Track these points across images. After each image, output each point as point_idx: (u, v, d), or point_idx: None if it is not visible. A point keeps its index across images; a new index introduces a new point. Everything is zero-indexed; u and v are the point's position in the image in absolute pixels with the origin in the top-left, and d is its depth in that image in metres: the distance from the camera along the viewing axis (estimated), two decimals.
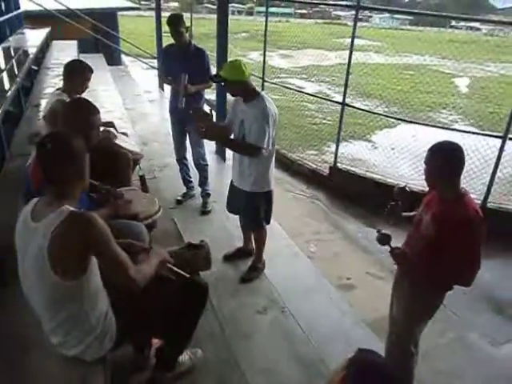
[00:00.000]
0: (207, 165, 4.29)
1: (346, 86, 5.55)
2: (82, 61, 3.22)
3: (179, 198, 4.33)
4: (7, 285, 1.68)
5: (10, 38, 7.11)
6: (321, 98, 7.43)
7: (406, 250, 2.18)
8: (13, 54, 5.94)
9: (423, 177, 2.09)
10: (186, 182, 4.43)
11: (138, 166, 3.40)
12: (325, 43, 12.04)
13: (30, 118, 4.27)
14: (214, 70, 4.12)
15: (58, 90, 3.10)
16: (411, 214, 2.34)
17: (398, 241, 2.23)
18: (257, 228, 3.30)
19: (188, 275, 1.86)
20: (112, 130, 3.38)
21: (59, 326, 1.53)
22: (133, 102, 7.41)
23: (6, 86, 4.14)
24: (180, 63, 3.83)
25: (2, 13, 7.00)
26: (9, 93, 3.96)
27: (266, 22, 6.55)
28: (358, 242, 4.76)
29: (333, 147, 6.19)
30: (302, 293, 3.28)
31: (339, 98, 5.96)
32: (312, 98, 8.83)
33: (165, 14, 11.05)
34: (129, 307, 1.63)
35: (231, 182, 3.30)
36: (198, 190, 4.36)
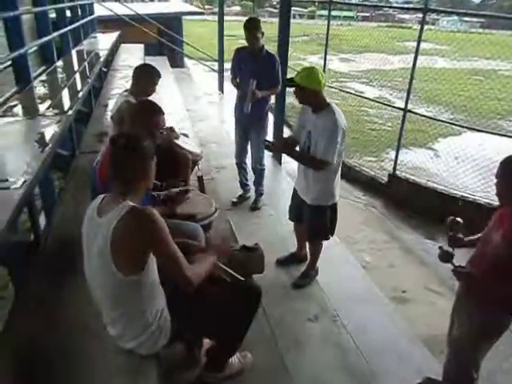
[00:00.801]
0: (264, 169, 4.34)
1: (409, 91, 5.35)
2: (151, 66, 3.31)
3: (235, 199, 4.40)
4: (77, 275, 1.76)
5: (84, 42, 7.53)
6: (381, 103, 7.21)
7: (472, 270, 2.04)
8: (85, 56, 6.31)
9: (490, 188, 1.96)
10: (243, 185, 4.50)
11: (196, 167, 3.48)
12: (387, 47, 11.69)
13: (98, 118, 4.50)
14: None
15: (125, 91, 3.23)
16: (475, 237, 2.20)
17: (462, 257, 2.11)
18: (320, 240, 3.24)
19: (242, 278, 1.87)
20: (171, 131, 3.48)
21: (118, 320, 1.58)
22: (193, 104, 7.60)
23: (79, 86, 4.39)
24: (250, 67, 3.86)
25: (78, 18, 7.43)
26: (81, 93, 4.20)
27: (328, 25, 6.51)
28: (416, 253, 4.57)
29: (392, 154, 6.00)
30: (355, 303, 3.19)
31: (400, 104, 5.77)
32: (372, 102, 8.61)
33: (226, 18, 11.32)
34: (183, 306, 1.66)
35: (294, 190, 3.25)
36: (252, 191, 4.40)
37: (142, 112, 2.27)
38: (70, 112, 3.41)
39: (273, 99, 4.73)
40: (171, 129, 3.53)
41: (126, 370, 1.56)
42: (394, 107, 6.70)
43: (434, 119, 6.26)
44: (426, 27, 5.30)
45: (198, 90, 9.39)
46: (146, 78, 3.14)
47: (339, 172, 3.04)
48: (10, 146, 2.84)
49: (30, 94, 4.13)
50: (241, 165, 4.40)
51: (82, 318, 1.73)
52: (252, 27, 3.78)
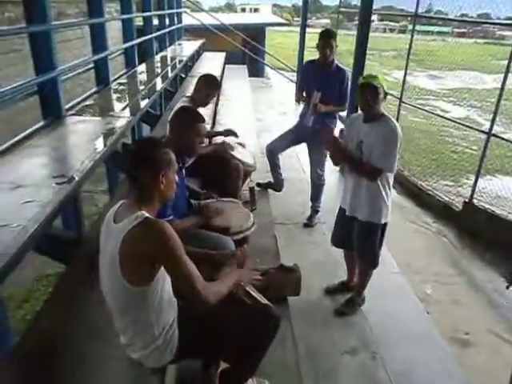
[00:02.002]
0: (323, 184, 4.18)
1: (495, 112, 4.85)
2: (215, 77, 3.37)
3: (306, 221, 4.26)
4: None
5: (169, 48, 7.92)
6: (461, 124, 6.62)
7: None
8: (166, 62, 6.61)
9: None
10: (278, 178, 4.34)
11: (248, 178, 3.43)
12: (481, 65, 10.90)
13: (165, 121, 4.64)
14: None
15: (186, 97, 3.29)
16: None
17: None
18: (372, 262, 3.00)
19: (265, 302, 1.76)
20: (229, 138, 3.47)
21: (126, 329, 1.55)
22: (264, 113, 7.62)
23: (152, 90, 4.58)
24: (317, 80, 3.76)
25: (164, 26, 7.84)
26: (152, 96, 4.37)
27: (412, 39, 6.19)
28: (486, 292, 4.10)
29: (472, 180, 5.48)
30: (402, 339, 2.91)
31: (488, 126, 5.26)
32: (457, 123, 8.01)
33: (311, 30, 11.28)
34: (194, 324, 1.59)
35: (341, 211, 3.03)
36: (308, 207, 4.25)
37: (182, 117, 2.27)
38: (128, 116, 3.54)
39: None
40: (231, 131, 3.55)
41: (128, 380, 1.53)
42: (475, 129, 6.13)
43: None
44: None
45: (274, 100, 9.42)
46: (206, 87, 3.18)
47: (391, 187, 2.83)
48: (72, 144, 3.01)
49: (107, 95, 4.38)
50: (274, 157, 4.19)
51: (101, 322, 1.72)
52: (326, 36, 3.66)
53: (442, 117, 7.26)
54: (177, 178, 1.65)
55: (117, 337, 1.60)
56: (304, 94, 3.91)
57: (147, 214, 1.46)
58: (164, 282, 1.50)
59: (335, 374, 2.50)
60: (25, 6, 3.01)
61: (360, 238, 2.91)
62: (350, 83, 3.78)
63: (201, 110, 3.47)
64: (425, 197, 5.93)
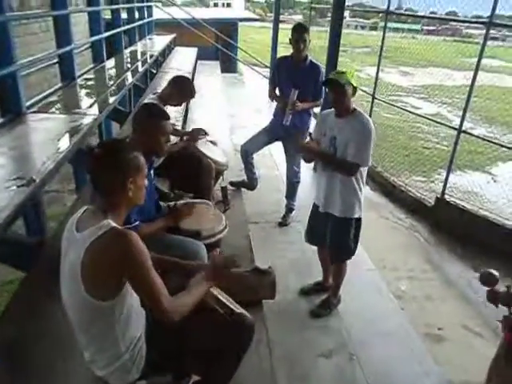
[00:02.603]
0: (299, 182, 4.13)
1: (465, 110, 4.91)
2: (190, 81, 3.29)
3: (280, 220, 4.19)
4: None
5: (138, 43, 7.70)
6: (433, 121, 6.70)
7: None
8: (135, 56, 6.41)
9: None
10: (251, 177, 4.25)
11: (221, 177, 3.34)
12: (451, 62, 11.06)
13: None
14: None
15: (154, 94, 3.17)
16: None
17: None
18: (345, 259, 2.99)
19: (237, 309, 1.67)
20: (201, 138, 3.34)
21: (89, 344, 1.44)
22: (237, 109, 7.52)
23: (119, 85, 4.41)
24: (291, 77, 3.67)
25: (134, 20, 7.62)
26: (120, 92, 4.21)
27: (384, 36, 6.24)
28: (459, 287, 4.14)
29: (444, 175, 5.55)
30: (379, 338, 2.89)
31: (458, 122, 5.32)
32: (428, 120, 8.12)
33: (284, 26, 11.21)
34: (163, 336, 1.49)
35: (314, 206, 3.01)
36: (282, 206, 4.19)
37: (145, 114, 2.14)
38: (95, 112, 3.39)
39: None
40: (202, 130, 3.42)
41: None
42: (447, 126, 6.21)
43: (490, 141, 5.71)
44: (495, 43, 4.87)
45: (247, 96, 9.33)
46: (181, 93, 3.11)
47: (364, 182, 2.83)
48: (35, 143, 2.85)
49: (72, 91, 4.19)
50: (249, 157, 4.09)
51: (64, 333, 1.60)
52: (300, 30, 3.58)
53: (413, 113, 7.35)
54: (146, 181, 1.54)
55: (80, 351, 1.49)
56: (277, 92, 3.83)
57: (113, 224, 1.35)
58: (130, 295, 1.39)
59: (311, 378, 2.45)
60: None
61: (335, 234, 2.88)
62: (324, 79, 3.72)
63: (172, 108, 3.38)
64: (398, 193, 5.97)
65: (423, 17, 6.48)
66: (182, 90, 3.13)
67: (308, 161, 2.96)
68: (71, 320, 1.42)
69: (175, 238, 2.13)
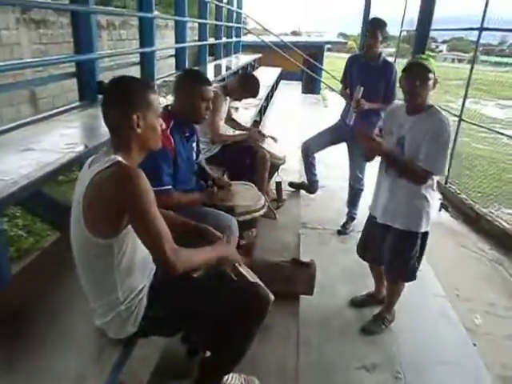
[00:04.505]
0: (362, 189, 3.84)
1: None
2: (257, 80, 3.30)
3: (340, 228, 3.95)
4: None
5: (223, 59, 8.03)
6: None
7: None
8: (221, 68, 6.66)
9: None
10: (312, 180, 4.05)
11: (276, 173, 3.22)
12: None
13: None
14: None
15: (218, 82, 3.18)
16: None
17: None
18: (404, 280, 2.60)
19: (253, 279, 1.51)
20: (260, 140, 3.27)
21: (89, 289, 1.37)
22: (310, 126, 7.39)
23: None
24: (361, 74, 3.46)
25: (220, 37, 8.00)
26: None
27: (473, 63, 6.02)
28: None
29: None
30: (439, 366, 2.49)
31: None
32: None
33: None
34: (168, 294, 1.38)
35: (370, 217, 2.66)
36: (343, 213, 3.93)
37: (184, 80, 2.09)
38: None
39: None
40: (259, 132, 3.36)
41: (89, 350, 1.35)
42: None
43: None
44: None
45: (324, 116, 9.19)
46: (245, 88, 3.20)
47: (436, 189, 2.44)
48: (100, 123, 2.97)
49: None
50: (309, 156, 3.87)
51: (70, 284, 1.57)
52: (373, 24, 3.38)
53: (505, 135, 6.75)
54: (179, 146, 1.46)
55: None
56: (348, 91, 3.64)
57: (120, 158, 1.28)
58: (134, 238, 1.29)
59: None
60: None
61: (394, 250, 2.49)
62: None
63: (244, 112, 3.37)
64: (483, 222, 5.37)
65: None
66: (247, 85, 3.15)
67: (369, 158, 2.59)
68: (76, 262, 1.37)
69: (207, 209, 2.03)
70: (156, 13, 4.53)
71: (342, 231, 3.87)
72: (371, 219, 2.63)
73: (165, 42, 8.61)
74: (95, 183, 1.23)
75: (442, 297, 3.38)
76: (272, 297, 1.47)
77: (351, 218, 3.90)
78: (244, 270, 1.53)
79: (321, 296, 2.22)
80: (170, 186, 1.89)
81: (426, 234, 2.47)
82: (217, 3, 7.70)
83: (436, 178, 2.41)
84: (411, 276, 2.54)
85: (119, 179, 1.22)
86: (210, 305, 1.41)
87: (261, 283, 1.51)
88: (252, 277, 1.54)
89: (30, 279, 1.76)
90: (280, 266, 2.10)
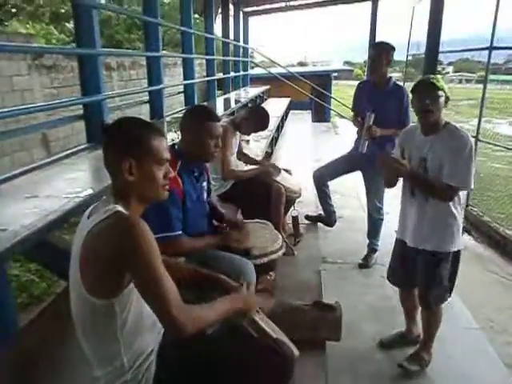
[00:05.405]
0: (382, 219, 3.65)
1: None
2: (267, 114, 3.19)
3: (360, 261, 3.75)
4: None
5: (232, 93, 8.09)
6: None
7: None
8: (231, 102, 6.69)
9: None
10: (329, 210, 3.87)
11: (292, 207, 3.09)
12: None
13: None
14: None
15: (227, 116, 3.12)
16: None
17: None
18: (439, 303, 2.43)
19: (276, 336, 1.34)
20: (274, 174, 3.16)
21: (90, 354, 1.22)
22: (323, 155, 7.32)
23: None
24: (371, 101, 3.33)
25: (228, 72, 8.09)
26: None
27: (486, 81, 5.93)
28: None
29: None
30: None
31: None
32: None
33: None
34: (180, 357, 1.23)
35: (398, 241, 2.53)
36: (364, 245, 3.75)
37: (191, 117, 1.99)
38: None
39: None
40: (273, 165, 3.25)
41: None
42: None
43: None
44: None
45: (336, 144, 9.11)
46: (253, 119, 3.11)
47: (463, 204, 2.32)
48: None
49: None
50: (323, 185, 3.73)
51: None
52: (376, 48, 3.29)
53: None
54: (185, 185, 1.35)
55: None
56: (359, 119, 3.52)
57: (119, 208, 1.16)
58: (138, 298, 1.15)
59: None
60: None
61: (426, 272, 2.35)
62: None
63: (255, 144, 3.28)
64: (509, 245, 5.12)
65: None
66: (256, 119, 3.08)
67: (391, 183, 2.47)
68: (75, 325, 1.22)
69: (221, 253, 1.89)
70: (163, 52, 4.55)
71: (364, 264, 3.66)
72: (399, 243, 2.52)
73: (175, 79, 8.74)
74: (93, 236, 1.11)
75: (474, 329, 3.15)
76: (297, 353, 1.31)
77: (373, 250, 3.70)
78: (264, 323, 1.37)
79: (346, 337, 2.04)
80: (179, 232, 1.76)
81: (457, 252, 2.36)
82: (223, 39, 7.82)
83: (462, 194, 2.29)
84: (443, 297, 2.40)
85: (117, 233, 1.09)
86: (227, 367, 1.25)
87: (284, 338, 1.36)
88: (273, 330, 1.38)
89: (39, 330, 1.66)
90: (302, 311, 1.93)
